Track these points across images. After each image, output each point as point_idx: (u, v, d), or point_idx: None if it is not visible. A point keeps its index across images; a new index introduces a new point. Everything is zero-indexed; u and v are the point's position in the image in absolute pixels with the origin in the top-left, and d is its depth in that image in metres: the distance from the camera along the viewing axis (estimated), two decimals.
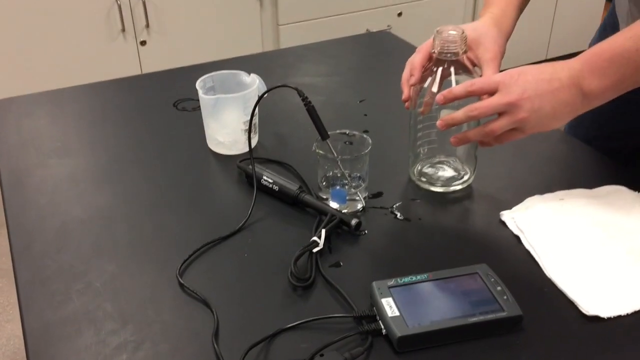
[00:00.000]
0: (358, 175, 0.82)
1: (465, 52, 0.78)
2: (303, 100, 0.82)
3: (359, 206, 0.82)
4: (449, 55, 0.77)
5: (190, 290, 0.69)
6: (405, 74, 0.82)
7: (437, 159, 0.87)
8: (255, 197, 0.82)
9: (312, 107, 0.82)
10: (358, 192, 0.81)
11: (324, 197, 0.82)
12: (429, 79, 0.79)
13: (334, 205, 0.81)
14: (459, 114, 0.73)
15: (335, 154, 0.79)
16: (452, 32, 0.77)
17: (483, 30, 0.83)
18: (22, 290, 0.70)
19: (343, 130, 0.83)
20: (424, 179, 0.86)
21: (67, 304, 0.68)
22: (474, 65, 0.82)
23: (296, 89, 0.82)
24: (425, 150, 0.85)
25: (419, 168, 0.87)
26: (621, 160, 0.95)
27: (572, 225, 0.76)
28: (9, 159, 0.94)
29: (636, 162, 1.05)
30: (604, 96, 0.72)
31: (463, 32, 0.77)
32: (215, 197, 0.87)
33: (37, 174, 0.91)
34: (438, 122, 0.75)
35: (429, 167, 0.87)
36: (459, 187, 0.85)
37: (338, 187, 0.81)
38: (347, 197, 0.81)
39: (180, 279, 0.70)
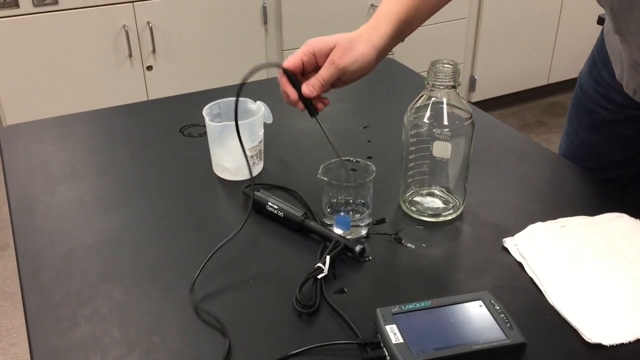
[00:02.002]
0: (362, 202, 0.83)
1: (459, 84, 0.80)
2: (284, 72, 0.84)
3: (363, 232, 0.83)
4: (442, 86, 0.79)
5: (206, 312, 0.70)
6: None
7: (427, 190, 0.88)
8: (248, 215, 0.83)
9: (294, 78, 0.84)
10: (362, 219, 0.82)
11: (329, 223, 0.83)
12: (420, 110, 0.81)
13: (338, 231, 0.82)
14: None
15: (335, 148, 0.81)
16: (446, 64, 0.79)
17: (345, 37, 0.82)
18: (30, 316, 0.71)
19: (347, 157, 0.84)
20: (414, 209, 0.87)
21: (74, 329, 0.68)
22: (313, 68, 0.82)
23: (276, 65, 0.85)
24: (416, 180, 0.87)
25: (410, 197, 0.88)
26: (618, 189, 0.96)
27: (575, 252, 0.76)
28: (17, 185, 0.96)
29: (632, 189, 1.06)
30: None
31: (456, 65, 0.79)
32: (222, 223, 0.88)
33: (46, 200, 0.92)
34: None
35: (419, 197, 0.88)
36: (448, 218, 0.86)
37: (342, 214, 0.82)
38: (352, 224, 0.82)
39: (194, 299, 0.71)
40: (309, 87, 0.81)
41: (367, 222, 0.83)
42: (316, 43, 0.82)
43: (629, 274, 0.73)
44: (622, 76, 0.95)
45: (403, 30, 0.85)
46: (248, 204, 0.89)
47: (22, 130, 1.13)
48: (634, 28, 0.82)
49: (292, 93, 0.83)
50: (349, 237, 0.82)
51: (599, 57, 1.02)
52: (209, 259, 0.76)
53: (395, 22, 0.83)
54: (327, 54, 0.82)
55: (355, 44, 0.81)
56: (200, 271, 0.75)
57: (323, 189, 0.83)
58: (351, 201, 0.82)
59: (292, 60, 0.83)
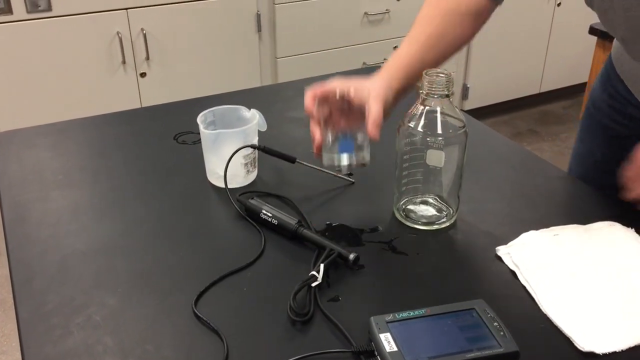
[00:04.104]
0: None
1: (452, 93, 0.80)
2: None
3: (367, 157, 0.82)
4: (435, 96, 0.79)
5: (206, 321, 0.70)
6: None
7: (421, 198, 0.88)
8: (263, 247, 0.83)
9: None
10: (365, 142, 0.82)
11: (333, 155, 0.82)
12: (414, 119, 0.81)
13: (343, 157, 0.81)
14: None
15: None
16: (440, 74, 0.79)
17: (370, 81, 0.83)
18: (23, 325, 0.70)
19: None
20: (407, 217, 0.88)
21: (67, 338, 0.68)
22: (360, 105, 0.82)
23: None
24: (410, 188, 0.87)
25: (403, 206, 0.89)
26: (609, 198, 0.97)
27: (567, 261, 0.77)
28: (10, 192, 0.95)
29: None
30: None
31: (450, 74, 0.79)
32: (215, 230, 0.88)
33: (39, 206, 0.92)
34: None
35: (413, 205, 0.88)
36: (442, 226, 0.86)
37: (348, 136, 0.82)
38: (355, 146, 0.82)
39: (195, 310, 0.71)
40: (375, 132, 0.78)
41: (368, 144, 0.82)
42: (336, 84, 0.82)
43: (621, 282, 0.73)
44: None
45: (411, 81, 0.87)
46: (242, 211, 0.89)
47: (16, 137, 1.12)
48: None
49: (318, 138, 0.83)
50: (354, 163, 0.82)
51: (614, 73, 1.02)
52: (221, 278, 0.77)
53: (404, 77, 0.87)
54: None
55: (383, 87, 0.83)
56: (204, 284, 0.75)
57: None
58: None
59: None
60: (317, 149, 0.84)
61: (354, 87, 0.82)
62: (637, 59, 0.90)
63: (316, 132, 0.83)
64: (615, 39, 0.97)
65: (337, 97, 0.82)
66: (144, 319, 0.71)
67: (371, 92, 0.80)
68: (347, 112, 0.84)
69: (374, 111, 0.79)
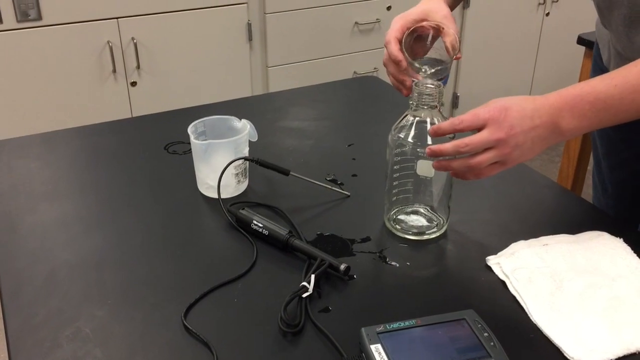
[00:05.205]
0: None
1: (442, 104, 0.81)
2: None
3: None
4: (425, 107, 0.80)
5: (195, 333, 0.69)
6: (393, 69, 0.88)
7: (412, 208, 0.89)
8: (255, 259, 0.83)
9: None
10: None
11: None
12: (404, 130, 0.82)
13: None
14: (448, 147, 0.75)
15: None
16: (429, 85, 0.80)
17: (428, 4, 0.90)
18: (11, 337, 0.70)
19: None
20: (398, 227, 0.88)
21: (56, 350, 0.68)
22: (437, 28, 0.88)
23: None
24: (401, 198, 0.87)
25: (394, 216, 0.89)
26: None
27: (557, 270, 0.77)
28: None
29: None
30: (578, 134, 0.76)
31: (439, 86, 0.80)
32: (206, 240, 0.88)
33: (28, 218, 0.91)
34: (427, 150, 0.76)
35: (404, 215, 0.89)
36: (432, 236, 0.87)
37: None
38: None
39: (185, 322, 0.71)
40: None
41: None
42: (408, 16, 0.89)
43: (610, 292, 0.74)
44: (609, 61, 1.02)
45: None
46: (234, 222, 0.89)
47: (5, 147, 1.12)
48: (614, 25, 0.91)
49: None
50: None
51: (604, 67, 1.07)
52: (211, 290, 0.76)
53: None
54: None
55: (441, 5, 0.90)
56: (194, 296, 0.75)
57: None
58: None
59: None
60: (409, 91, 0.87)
61: (426, 17, 0.89)
62: (607, 27, 0.96)
63: (407, 80, 0.87)
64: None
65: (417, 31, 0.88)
66: (133, 331, 0.70)
67: (440, 13, 0.88)
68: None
69: (451, 33, 0.86)
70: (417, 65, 0.84)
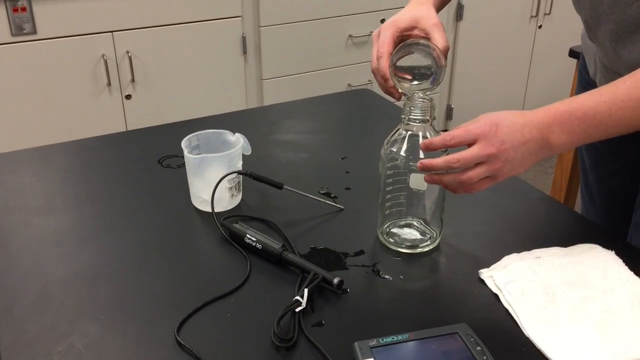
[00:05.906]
0: None
1: (435, 118, 0.81)
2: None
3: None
4: (417, 121, 0.80)
5: (188, 348, 0.69)
6: (377, 63, 0.88)
7: (405, 221, 0.89)
8: (249, 274, 0.83)
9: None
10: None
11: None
12: (397, 143, 0.82)
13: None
14: (439, 162, 0.75)
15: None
16: (420, 99, 0.80)
17: (418, 10, 0.90)
18: (4, 353, 0.69)
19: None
20: (391, 240, 0.88)
21: None
22: (426, 37, 0.87)
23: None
24: (394, 212, 0.88)
25: (387, 229, 0.89)
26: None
27: (549, 283, 0.78)
28: None
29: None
30: (568, 148, 0.77)
31: (432, 100, 0.81)
32: (199, 254, 0.88)
33: (21, 233, 0.91)
34: (418, 164, 0.77)
35: (397, 228, 0.89)
36: (425, 249, 0.87)
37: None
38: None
39: (178, 337, 0.71)
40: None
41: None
42: (399, 24, 0.89)
43: (602, 304, 0.74)
44: (595, 74, 1.03)
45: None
46: (228, 236, 0.89)
47: None
48: (601, 39, 0.92)
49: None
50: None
51: (590, 81, 1.08)
52: (204, 305, 0.76)
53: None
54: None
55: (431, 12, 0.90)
56: (188, 311, 0.75)
57: None
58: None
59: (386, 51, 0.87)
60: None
61: (416, 24, 0.89)
62: (594, 41, 0.97)
63: (395, 92, 0.88)
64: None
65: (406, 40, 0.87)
66: (126, 347, 0.70)
67: (429, 21, 0.88)
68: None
69: (441, 41, 0.86)
70: (403, 90, 0.85)
